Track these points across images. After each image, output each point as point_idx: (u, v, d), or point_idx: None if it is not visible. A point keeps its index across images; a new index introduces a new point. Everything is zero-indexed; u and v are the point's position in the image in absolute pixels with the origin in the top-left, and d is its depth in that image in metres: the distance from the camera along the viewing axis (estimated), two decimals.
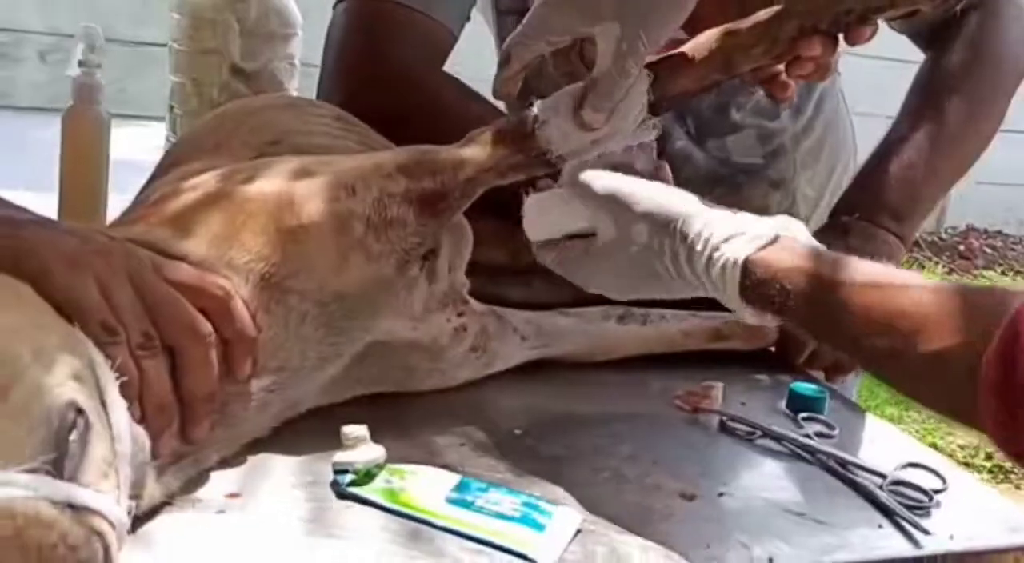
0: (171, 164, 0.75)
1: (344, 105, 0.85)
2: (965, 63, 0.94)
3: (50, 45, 2.76)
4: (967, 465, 2.36)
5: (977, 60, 0.94)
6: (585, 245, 0.63)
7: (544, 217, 0.65)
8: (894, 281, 0.52)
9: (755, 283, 0.55)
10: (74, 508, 0.39)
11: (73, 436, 0.41)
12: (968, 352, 0.46)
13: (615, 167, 0.64)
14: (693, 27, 0.65)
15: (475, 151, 0.64)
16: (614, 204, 0.62)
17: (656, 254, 0.60)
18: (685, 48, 0.64)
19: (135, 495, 0.48)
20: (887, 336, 0.50)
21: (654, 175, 0.66)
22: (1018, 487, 2.40)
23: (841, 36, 0.62)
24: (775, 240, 0.57)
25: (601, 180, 0.63)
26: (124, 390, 0.49)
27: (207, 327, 0.54)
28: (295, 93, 1.09)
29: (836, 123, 1.08)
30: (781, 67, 0.65)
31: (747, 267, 0.56)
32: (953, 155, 0.93)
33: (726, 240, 0.57)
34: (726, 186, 1.00)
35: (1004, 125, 0.97)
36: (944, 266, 3.95)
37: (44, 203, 0.76)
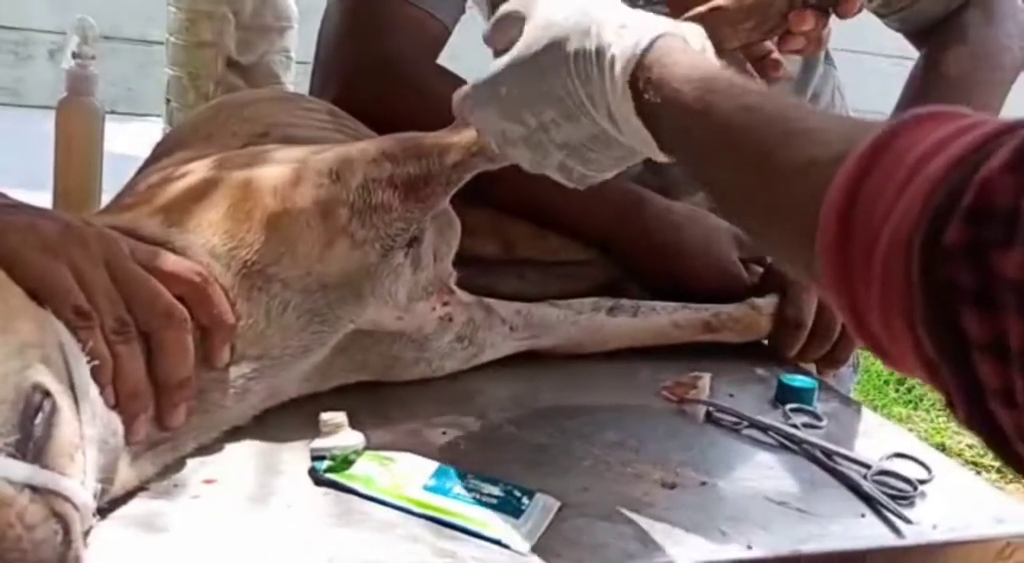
0: (162, 154, 0.76)
1: (337, 99, 0.85)
2: (960, 60, 0.93)
3: (59, 44, 2.78)
4: (975, 464, 2.34)
5: (972, 57, 0.93)
6: (496, 65, 0.57)
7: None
8: (782, 95, 0.47)
9: (641, 94, 0.49)
10: (36, 489, 0.39)
11: (38, 418, 0.41)
12: (829, 164, 0.38)
13: None
14: (679, 4, 0.64)
15: (462, 136, 0.64)
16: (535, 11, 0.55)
17: (563, 47, 0.53)
18: None
19: (105, 479, 0.48)
20: (753, 143, 0.43)
21: None
22: None
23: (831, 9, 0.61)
24: (657, 40, 0.51)
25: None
26: (97, 375, 0.49)
27: (183, 313, 0.54)
28: (291, 87, 1.09)
29: None
30: (771, 45, 0.64)
31: (641, 62, 0.50)
32: None
33: (631, 37, 0.51)
34: None
35: None
36: None
37: (40, 199, 0.77)
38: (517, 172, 0.70)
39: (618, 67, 0.51)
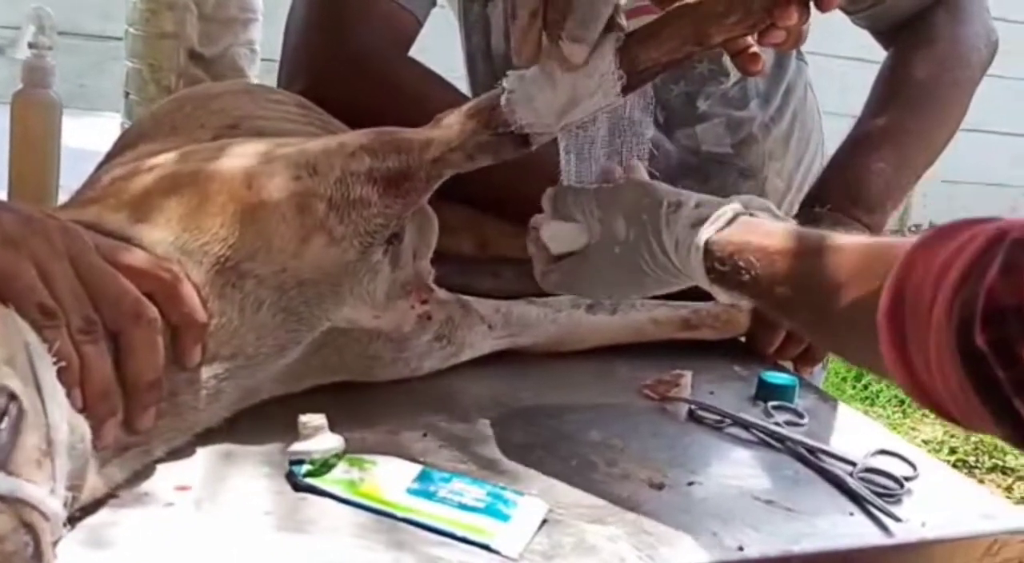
0: (125, 146, 0.73)
1: (306, 92, 0.83)
2: (928, 61, 0.94)
3: (11, 39, 2.70)
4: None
5: (940, 58, 0.94)
6: (579, 259, 0.66)
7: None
8: (827, 242, 0.55)
9: (717, 262, 0.58)
10: (3, 499, 0.37)
11: (3, 423, 0.39)
12: (874, 298, 0.48)
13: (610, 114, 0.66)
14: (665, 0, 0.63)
15: (442, 131, 0.62)
16: (595, 208, 0.65)
17: (635, 250, 0.63)
18: (656, 20, 0.62)
19: (74, 487, 0.45)
20: (814, 298, 0.54)
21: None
22: (981, 481, 2.43)
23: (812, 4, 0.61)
24: (733, 220, 0.60)
25: (580, 193, 0.67)
26: (63, 376, 0.47)
27: (152, 311, 0.51)
28: (256, 81, 1.06)
29: (804, 113, 1.08)
30: (751, 40, 0.63)
31: (708, 249, 0.59)
32: (920, 148, 0.93)
33: (691, 225, 0.60)
34: (696, 176, 0.99)
35: (968, 126, 0.97)
36: None
37: None
38: (493, 170, 0.69)
39: (694, 253, 0.60)
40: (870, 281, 0.49)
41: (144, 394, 0.51)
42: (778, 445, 0.66)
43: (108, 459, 0.51)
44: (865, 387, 2.84)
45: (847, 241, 0.54)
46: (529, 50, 0.60)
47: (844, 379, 2.80)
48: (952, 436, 2.67)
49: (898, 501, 0.60)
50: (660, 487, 0.58)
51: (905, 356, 0.46)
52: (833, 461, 0.64)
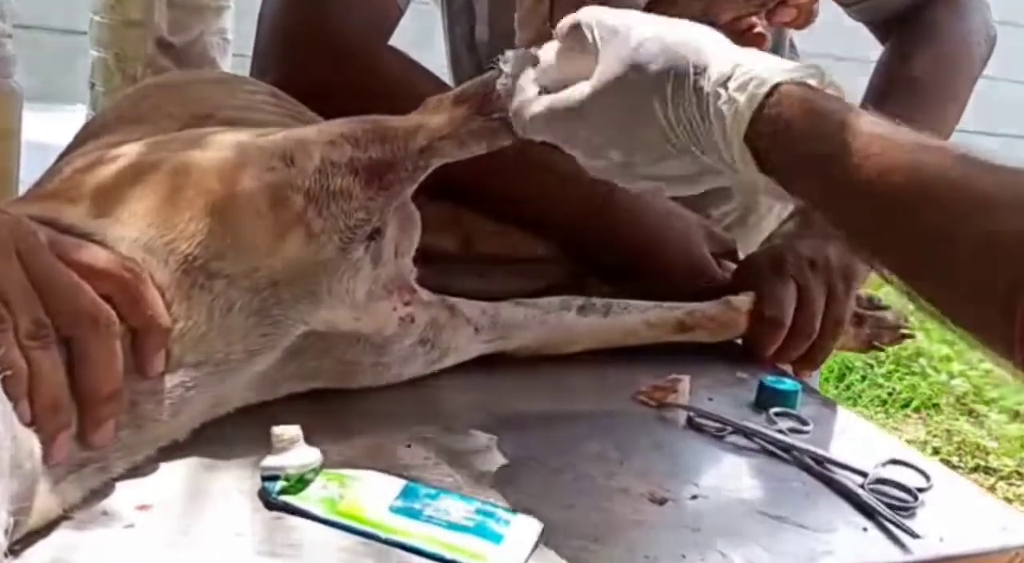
0: (88, 137, 0.68)
1: (281, 82, 0.78)
2: (927, 58, 0.91)
3: None
4: None
5: (939, 55, 0.92)
6: (579, 93, 0.53)
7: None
8: (947, 145, 0.43)
9: (765, 125, 0.46)
10: None
11: None
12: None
13: None
14: None
15: (430, 117, 0.58)
16: (617, 36, 0.52)
17: (658, 86, 0.49)
18: None
19: (20, 510, 0.41)
20: (932, 209, 0.40)
21: None
22: None
23: None
24: (802, 82, 0.48)
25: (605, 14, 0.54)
26: (10, 386, 0.42)
27: (110, 315, 0.47)
28: (228, 72, 1.01)
29: None
30: (755, 19, 0.60)
31: (762, 109, 0.46)
32: None
33: (745, 79, 0.48)
34: None
35: (962, 127, 0.94)
36: None
37: None
38: (478, 164, 0.65)
39: (730, 124, 0.47)
40: (1007, 218, 0.37)
41: (101, 406, 0.47)
42: (783, 455, 0.62)
43: (61, 477, 0.46)
44: (848, 387, 2.83)
45: (989, 164, 0.41)
46: (533, 29, 0.56)
47: (826, 379, 2.78)
48: (935, 436, 2.67)
49: (912, 514, 0.57)
50: (662, 502, 0.55)
51: None
52: (842, 472, 0.60)
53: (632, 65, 0.50)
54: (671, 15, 0.57)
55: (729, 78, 0.48)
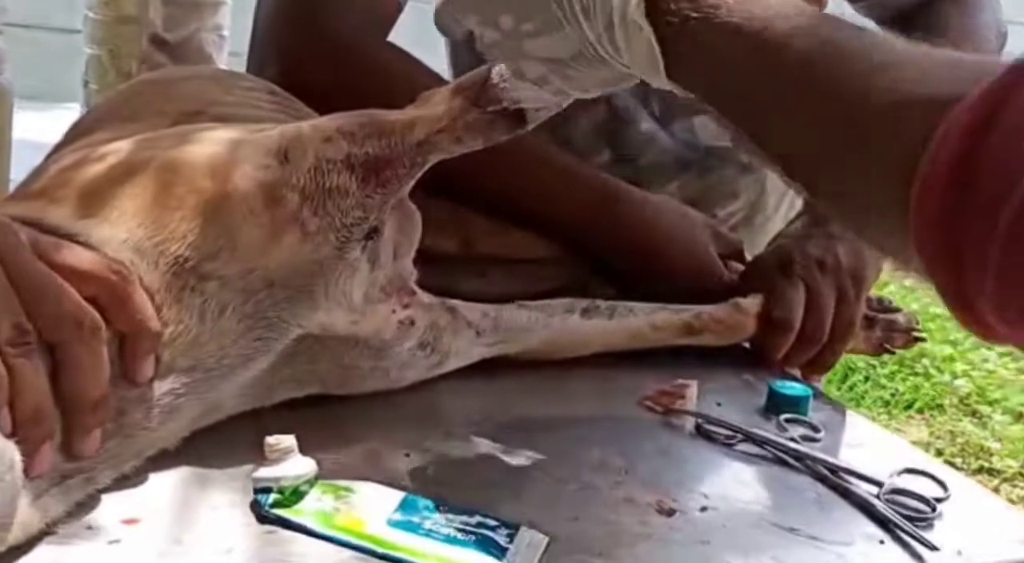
0: (78, 135, 0.66)
1: (278, 78, 0.77)
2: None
3: None
4: None
5: (943, 43, 0.89)
6: None
7: None
8: (859, 30, 0.38)
9: (662, 18, 0.41)
10: None
11: None
12: (932, 110, 0.31)
13: None
14: None
15: (426, 111, 0.56)
16: None
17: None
18: None
19: (0, 525, 0.39)
20: (825, 82, 0.35)
21: None
22: None
23: None
24: None
25: None
26: None
27: (95, 319, 0.45)
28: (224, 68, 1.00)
29: None
30: None
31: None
32: None
33: None
34: (694, 170, 0.93)
35: None
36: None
37: None
38: (476, 161, 0.63)
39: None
40: (940, 83, 0.32)
41: (86, 415, 0.45)
42: (795, 463, 0.60)
43: (44, 489, 0.44)
44: (851, 388, 2.81)
45: (899, 41, 0.37)
46: None
47: (829, 380, 2.77)
48: (938, 437, 2.65)
49: (930, 526, 0.55)
50: (670, 513, 0.53)
51: (955, 206, 0.30)
52: (857, 481, 0.58)
53: None
54: None
55: None
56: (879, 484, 0.57)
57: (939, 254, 0.31)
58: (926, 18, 0.92)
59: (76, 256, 0.46)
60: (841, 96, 0.35)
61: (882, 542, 0.53)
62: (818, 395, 0.72)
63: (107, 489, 0.47)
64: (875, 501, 0.56)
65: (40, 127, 0.99)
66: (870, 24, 0.98)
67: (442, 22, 0.54)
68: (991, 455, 2.58)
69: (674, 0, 0.41)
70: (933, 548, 0.52)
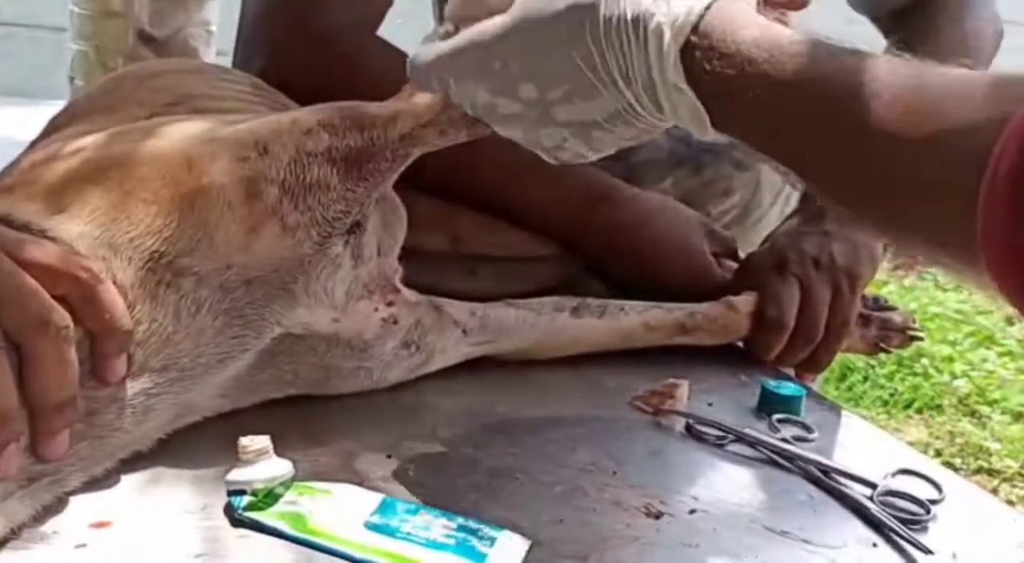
0: (55, 129, 0.65)
1: (264, 71, 0.76)
2: (932, 48, 0.88)
3: None
4: None
5: (944, 45, 0.88)
6: (495, 22, 0.48)
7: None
8: (876, 57, 0.39)
9: (703, 43, 0.42)
10: None
11: None
12: (982, 135, 0.33)
13: None
14: None
15: (409, 104, 0.54)
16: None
17: (589, 4, 0.45)
18: None
19: None
20: (867, 109, 0.37)
21: None
22: None
23: None
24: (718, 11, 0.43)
25: None
26: None
27: (62, 318, 0.43)
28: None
29: None
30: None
31: (698, 26, 0.43)
32: None
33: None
34: (688, 167, 0.92)
35: None
36: (889, 263, 3.98)
37: None
38: (469, 158, 0.62)
39: (667, 35, 0.43)
40: (984, 107, 0.33)
41: (53, 416, 0.43)
42: (788, 465, 0.59)
43: (10, 492, 0.43)
44: (849, 388, 2.79)
45: (904, 60, 0.38)
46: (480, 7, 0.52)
47: (827, 380, 2.75)
48: (937, 437, 2.63)
49: (924, 529, 0.53)
50: (658, 516, 0.51)
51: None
52: (850, 483, 0.57)
53: None
54: None
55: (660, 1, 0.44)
56: (873, 485, 0.56)
57: (1010, 266, 0.31)
58: (920, 16, 0.91)
59: (44, 252, 0.45)
60: (883, 131, 0.36)
61: (875, 545, 0.51)
62: (812, 395, 0.70)
63: (76, 491, 0.46)
64: (868, 503, 0.54)
65: (26, 123, 0.98)
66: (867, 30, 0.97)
67: (419, 79, 0.52)
68: (990, 455, 2.57)
69: (708, 61, 0.42)
70: (927, 551, 0.51)
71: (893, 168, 0.36)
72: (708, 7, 0.43)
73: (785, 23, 0.54)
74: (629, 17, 0.44)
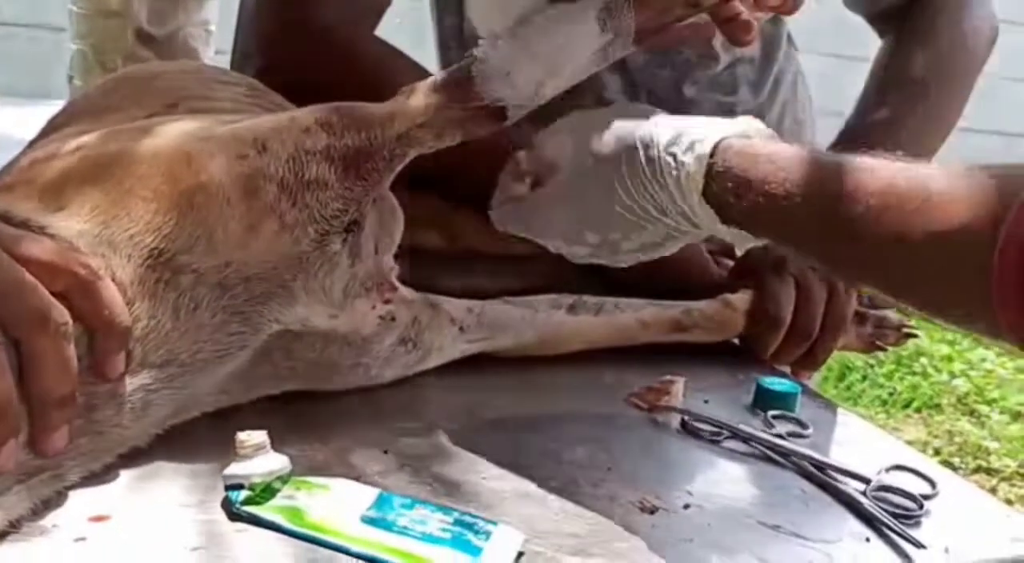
0: (54, 128, 0.65)
1: (262, 72, 0.76)
2: (927, 59, 0.88)
3: None
4: None
5: (940, 45, 0.89)
6: (549, 190, 0.60)
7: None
8: (883, 163, 0.46)
9: (721, 180, 0.51)
10: None
11: None
12: (980, 231, 0.40)
13: None
14: None
15: (407, 104, 0.55)
16: (574, 128, 0.59)
17: (615, 167, 0.56)
18: None
19: None
20: (877, 221, 0.44)
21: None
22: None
23: None
24: (740, 137, 0.53)
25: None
26: None
27: (61, 314, 0.44)
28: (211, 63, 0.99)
29: (795, 102, 1.02)
30: (741, 7, 0.57)
31: (712, 166, 0.52)
32: (919, 141, 0.87)
33: (689, 142, 0.53)
34: None
35: (966, 125, 0.92)
36: None
37: None
38: (465, 156, 0.62)
39: (685, 186, 0.52)
40: (977, 208, 0.40)
41: (52, 412, 0.44)
42: (782, 460, 0.59)
43: (9, 487, 0.43)
44: (848, 387, 2.80)
45: (926, 169, 0.45)
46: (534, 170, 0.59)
47: (826, 379, 2.76)
48: (936, 437, 2.64)
49: (917, 523, 0.54)
50: (652, 511, 0.52)
51: None
52: (844, 478, 0.57)
53: (590, 154, 0.57)
54: (657, 1, 0.54)
55: (675, 143, 0.53)
56: (866, 481, 0.57)
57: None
58: (916, 16, 0.91)
59: (43, 249, 0.46)
60: (898, 236, 0.43)
61: (868, 540, 0.52)
62: (807, 392, 0.71)
63: (75, 486, 0.46)
64: (862, 498, 0.55)
65: (25, 123, 0.98)
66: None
67: (506, 226, 0.63)
68: (989, 454, 2.57)
69: (727, 201, 0.51)
70: (920, 546, 0.51)
71: (909, 271, 0.44)
72: (716, 145, 0.51)
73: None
74: (649, 169, 0.54)
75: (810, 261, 0.53)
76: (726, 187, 0.50)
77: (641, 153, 0.54)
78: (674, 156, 0.53)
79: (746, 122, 0.54)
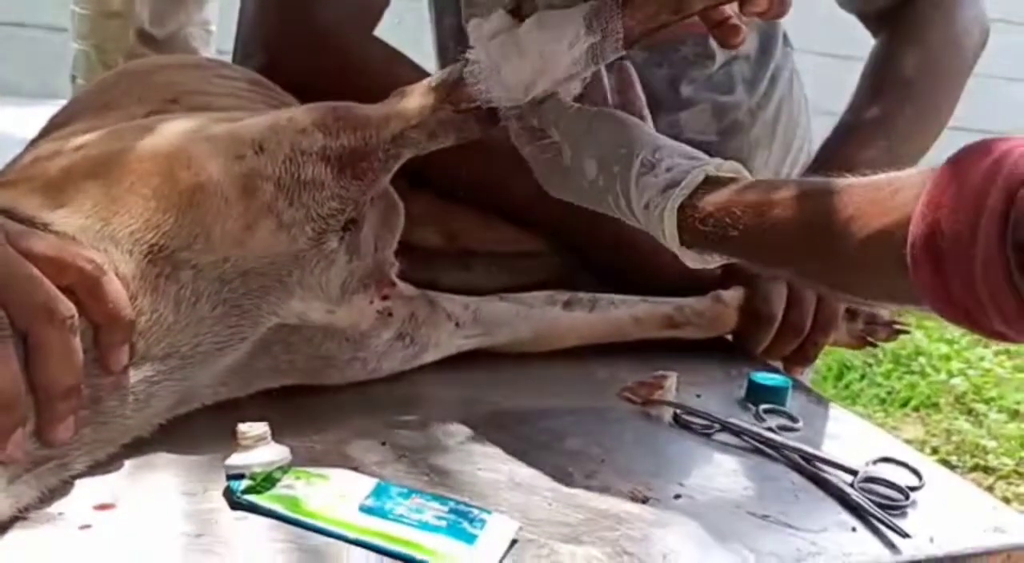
0: (56, 126, 0.66)
1: (262, 68, 0.77)
2: (917, 59, 0.89)
3: None
4: None
5: (931, 44, 0.90)
6: (556, 163, 0.62)
7: None
8: (822, 184, 0.52)
9: (697, 223, 0.55)
10: None
11: None
12: (900, 228, 0.46)
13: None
14: None
15: (402, 106, 0.56)
16: (571, 130, 0.60)
17: (603, 195, 0.59)
18: None
19: None
20: (818, 240, 0.51)
21: (619, 103, 0.64)
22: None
23: None
24: (706, 182, 0.56)
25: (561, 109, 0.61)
26: None
27: (67, 308, 0.45)
28: None
29: (791, 101, 1.03)
30: (730, 11, 0.58)
31: (683, 213, 0.55)
32: (911, 140, 0.88)
33: (663, 189, 0.56)
34: None
35: (959, 125, 0.93)
36: None
37: None
38: (462, 156, 0.63)
39: (667, 234, 0.56)
40: (892, 212, 0.47)
41: (59, 402, 0.45)
42: (772, 453, 0.61)
43: (17, 476, 0.44)
44: (846, 386, 2.80)
45: (851, 180, 0.51)
46: None
47: (825, 378, 2.77)
48: (934, 435, 2.65)
49: (903, 514, 0.55)
50: (644, 501, 0.53)
51: (944, 282, 0.44)
52: (832, 470, 0.58)
53: (583, 161, 0.59)
54: (640, 3, 0.55)
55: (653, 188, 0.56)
56: (854, 473, 0.58)
57: (944, 304, 0.45)
58: (908, 16, 0.92)
59: (48, 245, 0.47)
60: (837, 245, 0.50)
61: (854, 529, 0.53)
62: (798, 386, 0.72)
63: (81, 475, 0.47)
64: (849, 489, 0.56)
65: (26, 122, 0.99)
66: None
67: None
68: (987, 453, 2.58)
69: (696, 240, 0.55)
70: (905, 535, 0.52)
71: (864, 267, 0.50)
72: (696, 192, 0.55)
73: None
74: (643, 200, 0.57)
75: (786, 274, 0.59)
76: (701, 217, 0.55)
77: (631, 197, 0.58)
78: (661, 199, 0.56)
79: (720, 162, 0.57)
